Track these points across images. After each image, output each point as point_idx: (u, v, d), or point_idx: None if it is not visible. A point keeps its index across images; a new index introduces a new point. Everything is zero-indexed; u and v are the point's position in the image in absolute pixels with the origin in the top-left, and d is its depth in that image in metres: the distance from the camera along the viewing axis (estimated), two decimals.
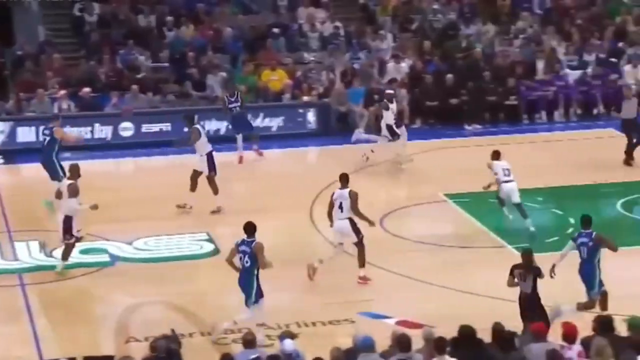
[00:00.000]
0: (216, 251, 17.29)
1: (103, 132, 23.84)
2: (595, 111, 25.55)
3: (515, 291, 14.06)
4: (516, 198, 17.85)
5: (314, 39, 27.59)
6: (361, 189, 20.42)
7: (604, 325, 11.23)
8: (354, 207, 15.58)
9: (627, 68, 26.34)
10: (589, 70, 26.37)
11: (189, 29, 27.14)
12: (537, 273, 13.39)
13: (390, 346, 11.32)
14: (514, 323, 11.48)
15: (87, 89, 24.42)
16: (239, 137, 22.29)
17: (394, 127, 21.47)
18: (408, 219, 18.91)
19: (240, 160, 22.21)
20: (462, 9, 28.82)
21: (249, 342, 11.49)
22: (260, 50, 26.85)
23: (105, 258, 17.04)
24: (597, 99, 25.73)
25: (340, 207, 15.69)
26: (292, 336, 11.64)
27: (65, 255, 16.21)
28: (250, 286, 13.80)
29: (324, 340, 13.81)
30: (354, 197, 15.62)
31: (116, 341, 13.95)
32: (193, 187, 18.81)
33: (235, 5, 28.66)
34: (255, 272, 13.79)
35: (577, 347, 10.90)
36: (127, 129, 23.95)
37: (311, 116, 24.77)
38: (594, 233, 13.73)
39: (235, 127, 22.50)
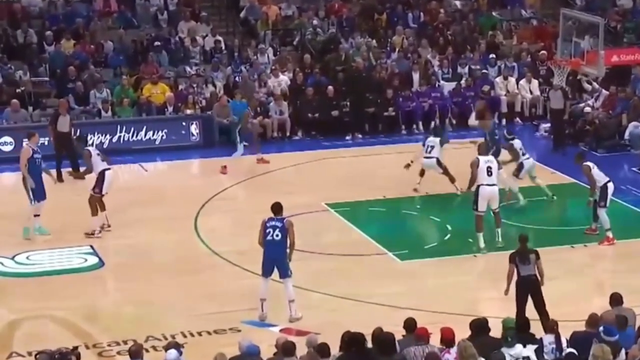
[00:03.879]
0: (101, 264, 17.01)
1: None
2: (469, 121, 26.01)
3: (403, 296, 14.25)
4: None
5: (195, 53, 27.44)
6: (244, 200, 20.64)
7: (477, 327, 11.44)
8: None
9: (498, 80, 26.96)
10: (463, 81, 26.89)
11: (69, 43, 26.68)
12: (537, 254, 13.69)
13: (275, 353, 11.32)
14: (397, 328, 11.54)
15: None
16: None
17: None
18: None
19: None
20: (341, 23, 29.07)
21: (135, 352, 11.31)
22: (141, 63, 26.57)
23: None
24: (471, 109, 26.19)
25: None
26: (178, 346, 11.51)
27: None
28: (285, 258, 14.28)
29: (209, 350, 13.72)
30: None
31: None
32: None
33: (116, 19, 28.33)
34: (286, 247, 14.24)
35: (455, 350, 11.06)
36: (7, 143, 23.38)
37: (194, 129, 24.63)
38: None
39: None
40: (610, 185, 17.63)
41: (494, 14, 30.32)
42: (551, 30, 28.56)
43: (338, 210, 19.47)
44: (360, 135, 25.40)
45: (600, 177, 17.61)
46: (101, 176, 18.10)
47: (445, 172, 20.38)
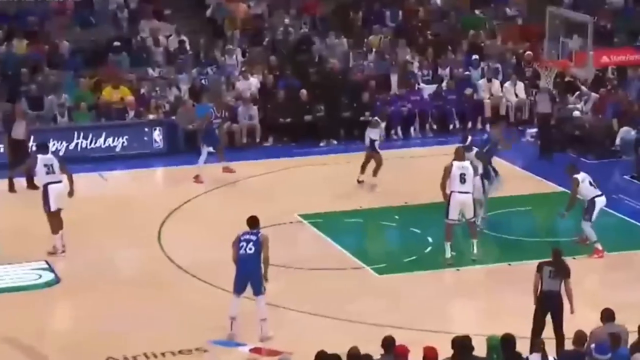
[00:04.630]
0: (56, 280, 16.84)
1: None
2: (451, 126, 26.06)
3: (381, 312, 14.16)
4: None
5: (158, 54, 27.31)
6: (211, 211, 20.51)
7: (460, 346, 11.39)
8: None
9: (481, 82, 27.01)
10: (444, 84, 26.92)
11: (21, 44, 26.49)
12: (568, 272, 13.58)
13: None
14: (374, 347, 11.46)
15: None
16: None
17: None
18: None
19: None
20: (314, 23, 29.05)
21: None
22: (100, 65, 26.41)
23: None
24: (453, 113, 26.27)
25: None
26: None
27: None
28: (259, 274, 14.23)
29: None
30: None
31: None
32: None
33: (72, 18, 28.13)
34: (260, 261, 14.19)
35: None
36: None
37: (157, 135, 24.50)
38: None
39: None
40: (599, 200, 17.62)
41: (476, 12, 30.37)
42: (537, 29, 28.61)
43: (312, 222, 19.42)
44: (335, 142, 25.35)
45: (589, 191, 17.62)
46: (45, 190, 17.67)
47: (368, 155, 21.18)
